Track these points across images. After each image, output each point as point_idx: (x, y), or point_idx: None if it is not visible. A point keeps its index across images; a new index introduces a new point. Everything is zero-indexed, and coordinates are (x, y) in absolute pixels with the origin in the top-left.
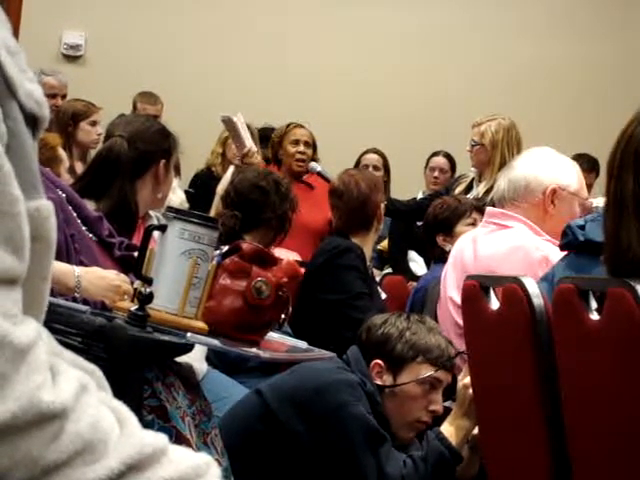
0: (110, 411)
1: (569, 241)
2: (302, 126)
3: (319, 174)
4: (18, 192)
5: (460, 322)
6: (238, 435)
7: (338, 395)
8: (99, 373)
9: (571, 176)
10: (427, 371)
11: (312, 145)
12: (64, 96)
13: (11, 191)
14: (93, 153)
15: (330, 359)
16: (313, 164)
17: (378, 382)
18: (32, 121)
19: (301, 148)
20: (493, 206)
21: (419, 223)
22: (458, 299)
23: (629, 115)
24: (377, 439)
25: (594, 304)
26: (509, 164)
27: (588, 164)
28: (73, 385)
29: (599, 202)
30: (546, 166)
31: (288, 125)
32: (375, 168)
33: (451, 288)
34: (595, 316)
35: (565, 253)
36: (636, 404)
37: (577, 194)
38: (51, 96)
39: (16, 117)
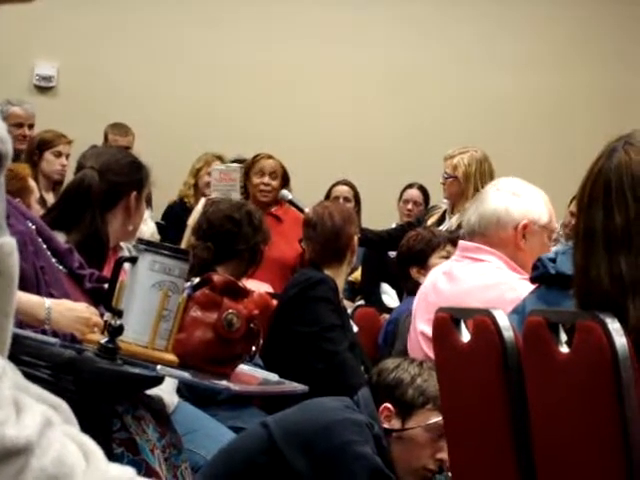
0: (76, 445)
1: (540, 274)
2: (270, 157)
3: (290, 202)
4: None
5: (431, 355)
6: (239, 466)
7: (344, 434)
8: (66, 407)
9: (541, 208)
10: (436, 419)
11: (280, 176)
12: (31, 125)
13: None
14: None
15: (336, 399)
16: (284, 192)
17: (386, 426)
18: None
19: (265, 179)
20: (463, 239)
21: (391, 253)
22: (429, 332)
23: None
24: (382, 479)
25: (564, 337)
26: (478, 196)
27: None
28: (37, 420)
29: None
30: (516, 200)
31: (255, 156)
32: (346, 199)
33: (421, 322)
34: (565, 349)
35: (536, 285)
36: (605, 438)
37: (547, 227)
38: (17, 125)
39: None
